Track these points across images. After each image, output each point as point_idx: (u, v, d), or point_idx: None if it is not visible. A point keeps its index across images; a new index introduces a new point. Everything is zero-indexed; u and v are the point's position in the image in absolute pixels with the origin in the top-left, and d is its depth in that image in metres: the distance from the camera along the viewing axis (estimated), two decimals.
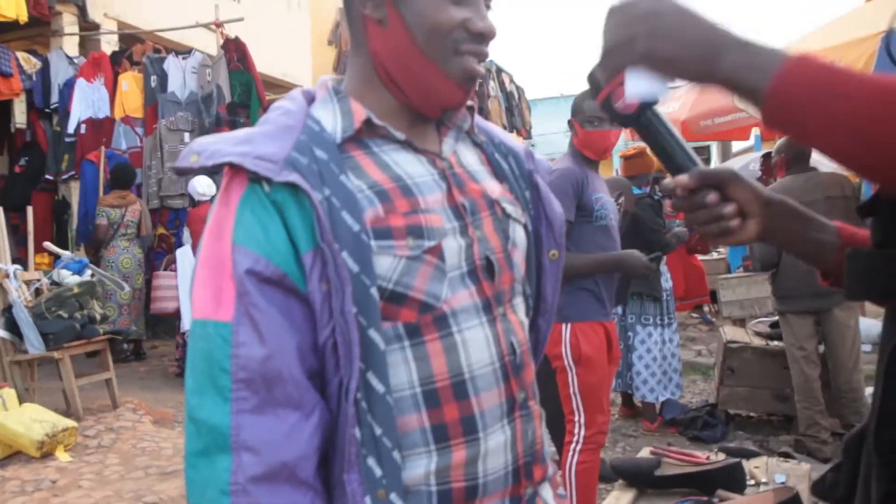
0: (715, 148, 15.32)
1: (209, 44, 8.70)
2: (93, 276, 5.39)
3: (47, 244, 5.69)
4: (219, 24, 7.92)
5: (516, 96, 19.59)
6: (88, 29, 8.31)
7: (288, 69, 11.31)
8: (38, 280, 5.48)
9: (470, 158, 1.09)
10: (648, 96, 0.91)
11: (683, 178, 0.94)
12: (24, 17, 7.26)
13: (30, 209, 5.87)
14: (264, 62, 10.29)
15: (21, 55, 7.64)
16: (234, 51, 7.77)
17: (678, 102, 6.51)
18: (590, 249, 2.86)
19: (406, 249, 0.91)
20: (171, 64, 7.81)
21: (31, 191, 7.81)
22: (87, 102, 7.71)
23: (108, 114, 7.75)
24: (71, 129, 7.62)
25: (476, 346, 0.96)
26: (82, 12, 8.15)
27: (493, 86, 18.07)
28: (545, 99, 27.76)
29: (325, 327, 0.88)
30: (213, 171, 0.93)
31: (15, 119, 7.63)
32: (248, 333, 0.85)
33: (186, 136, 7.57)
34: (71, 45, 8.15)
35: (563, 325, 2.83)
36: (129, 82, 7.81)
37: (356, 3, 1.00)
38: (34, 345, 5.07)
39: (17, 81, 7.46)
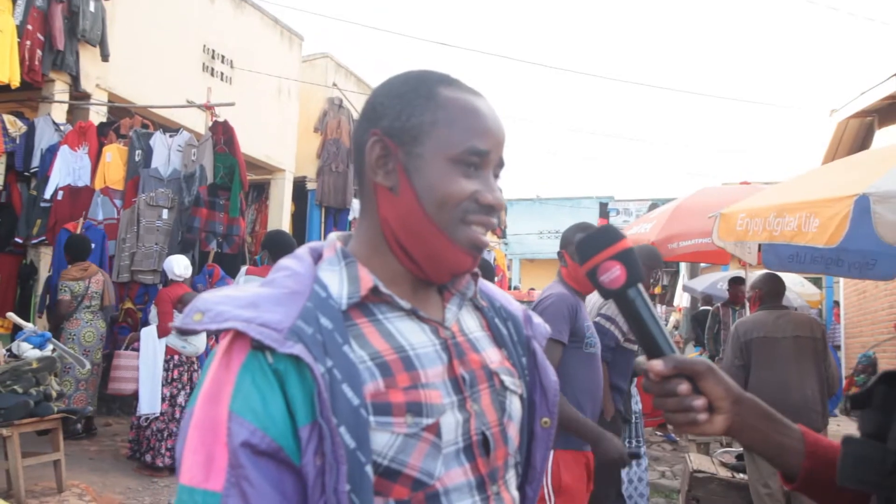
0: (683, 266, 15.62)
1: (198, 122, 8.80)
2: (54, 350, 5.24)
3: (11, 315, 5.55)
4: (209, 107, 8.02)
5: None
6: (79, 98, 8.37)
7: (272, 152, 11.43)
8: None
9: (472, 324, 1.09)
10: None
11: (658, 364, 0.95)
12: (16, 82, 7.32)
13: None
14: (250, 143, 10.42)
15: (7, 118, 7.65)
16: (222, 133, 7.85)
17: (649, 224, 6.67)
18: (576, 375, 2.87)
19: (404, 427, 0.90)
20: (158, 140, 7.85)
21: None
22: (67, 170, 7.68)
23: (87, 183, 7.72)
24: (48, 194, 7.56)
25: None
26: (75, 81, 8.22)
27: None
28: (520, 200, 28.34)
29: (316, 502, 0.85)
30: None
31: None
32: None
33: (165, 212, 7.55)
34: (59, 112, 8.18)
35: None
36: (114, 154, 7.82)
37: (367, 170, 1.01)
38: None
39: (0, 143, 7.43)
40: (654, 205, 22.07)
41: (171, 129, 8.15)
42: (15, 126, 7.72)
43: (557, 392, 1.16)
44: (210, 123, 8.01)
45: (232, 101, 8.03)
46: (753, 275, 5.44)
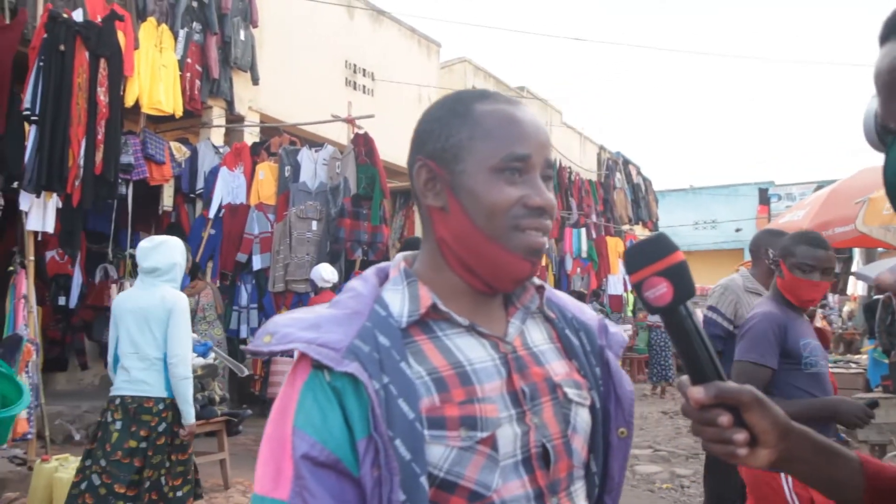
0: (857, 252, 14.46)
1: (342, 135, 9.18)
2: (216, 359, 5.65)
3: None
4: (351, 120, 8.34)
5: (643, 188, 19.42)
6: (234, 121, 8.98)
7: None
8: None
9: (538, 336, 1.09)
10: None
11: (698, 392, 0.89)
12: (179, 112, 7.96)
13: None
14: (394, 152, 10.73)
15: (174, 144, 8.33)
16: (363, 145, 8.14)
17: (803, 211, 6.26)
18: (801, 398, 2.71)
19: (458, 440, 0.92)
20: (305, 156, 8.27)
21: None
22: (227, 189, 8.27)
23: (244, 200, 8.27)
24: (212, 213, 8.17)
25: None
26: (230, 106, 8.84)
27: (619, 178, 18.00)
28: (674, 191, 27.40)
29: None
30: (286, 353, 0.97)
31: (163, 202, 8.25)
32: None
33: (314, 224, 7.94)
34: (217, 136, 8.82)
35: (782, 474, 2.63)
36: (266, 171, 8.32)
37: (419, 195, 1.05)
38: None
39: (168, 169, 8.10)
40: (819, 187, 20.61)
41: (316, 143, 8.55)
42: (180, 152, 8.39)
43: (633, 402, 1.14)
44: (352, 137, 8.33)
45: (371, 114, 8.31)
46: None
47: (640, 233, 19.72)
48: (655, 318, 14.84)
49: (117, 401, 3.80)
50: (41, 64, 5.69)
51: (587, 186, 15.91)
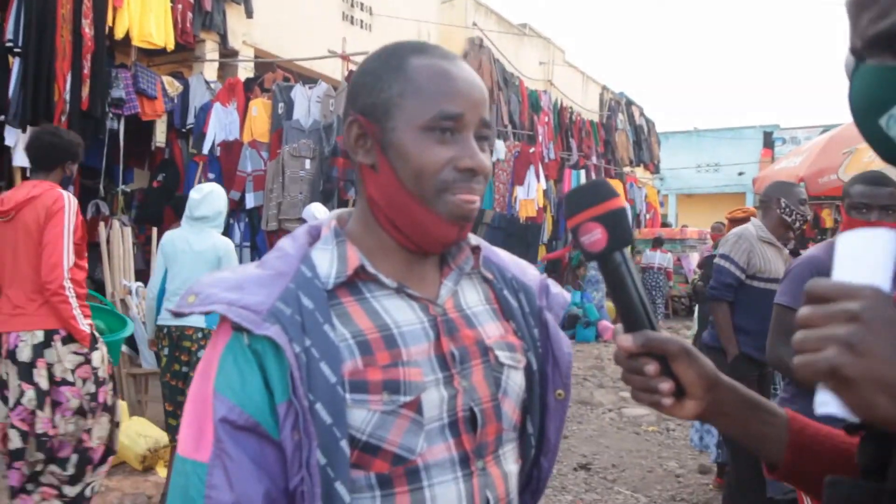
0: None
1: (338, 72, 9.02)
2: None
3: None
4: (345, 57, 8.19)
5: (646, 130, 19.21)
6: (227, 56, 8.80)
7: None
8: None
9: (473, 298, 1.08)
10: (840, 415, 0.69)
11: (626, 339, 0.90)
12: (171, 45, 7.80)
13: (154, 230, 6.22)
14: None
15: (166, 79, 8.17)
16: None
17: (800, 157, 6.17)
18: None
19: (381, 404, 0.92)
20: (298, 92, 8.14)
21: (166, 206, 8.32)
22: (220, 125, 8.17)
23: (237, 137, 8.17)
24: (206, 150, 8.09)
25: (446, 501, 0.95)
26: (223, 40, 8.66)
27: (621, 118, 17.78)
28: (676, 133, 27.12)
29: (295, 474, 0.89)
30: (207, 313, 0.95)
31: (156, 138, 8.15)
32: (220, 477, 0.87)
33: (307, 162, 7.86)
34: (210, 71, 8.66)
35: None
36: (259, 108, 8.20)
37: (350, 151, 1.02)
38: (148, 360, 5.39)
39: (161, 104, 7.98)
40: (825, 131, 20.40)
41: (310, 80, 8.40)
42: (173, 87, 8.24)
43: (570, 363, 1.14)
44: (346, 74, 8.18)
45: (366, 51, 8.13)
46: None
47: (642, 175, 19.59)
48: (650, 261, 14.87)
49: (164, 330, 4.28)
50: None
51: (588, 127, 15.73)
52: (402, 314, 0.99)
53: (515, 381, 1.06)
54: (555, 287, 1.20)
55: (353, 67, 8.17)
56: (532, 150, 12.64)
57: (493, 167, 12.45)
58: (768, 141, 25.54)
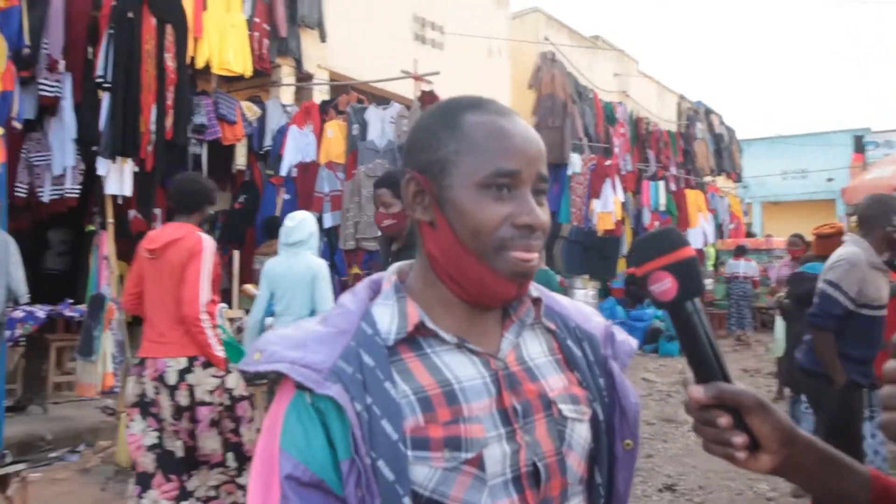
0: None
1: (411, 92, 9.13)
2: None
3: (247, 287, 6.20)
4: (418, 77, 8.29)
5: (726, 138, 18.72)
6: (303, 79, 9.04)
7: None
8: (241, 318, 5.98)
9: (536, 350, 1.07)
10: None
11: (697, 391, 0.88)
12: (248, 72, 8.06)
13: (236, 253, 6.41)
14: None
15: (244, 104, 8.45)
16: (429, 102, 8.08)
17: (893, 166, 5.90)
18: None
19: (442, 461, 0.92)
20: (372, 114, 8.28)
21: (248, 227, 8.57)
22: (296, 147, 8.38)
23: (314, 158, 8.36)
24: (283, 171, 8.31)
25: None
26: (298, 64, 8.91)
27: (700, 127, 17.39)
28: (759, 140, 26.23)
29: None
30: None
31: (236, 161, 8.42)
32: None
33: None
34: (287, 95, 8.91)
35: None
36: (334, 130, 8.37)
37: (408, 207, 1.04)
38: None
39: (240, 128, 8.25)
40: None
41: (383, 101, 8.54)
42: (251, 111, 8.51)
43: (638, 413, 1.12)
44: (419, 94, 8.28)
45: (437, 71, 8.23)
46: None
47: (724, 184, 19.08)
48: (734, 271, 14.45)
49: None
50: (111, 31, 5.84)
51: (666, 137, 15.44)
52: (462, 369, 0.98)
53: (580, 433, 1.04)
54: (620, 334, 1.17)
55: (426, 87, 8.27)
56: (608, 162, 12.49)
57: (568, 180, 12.41)
58: (859, 145, 24.48)
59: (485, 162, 0.96)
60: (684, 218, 14.59)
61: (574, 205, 12.03)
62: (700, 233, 14.85)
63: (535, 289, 1.09)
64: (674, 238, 0.92)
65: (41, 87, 5.83)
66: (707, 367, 0.89)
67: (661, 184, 14.16)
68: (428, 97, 8.14)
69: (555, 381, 1.05)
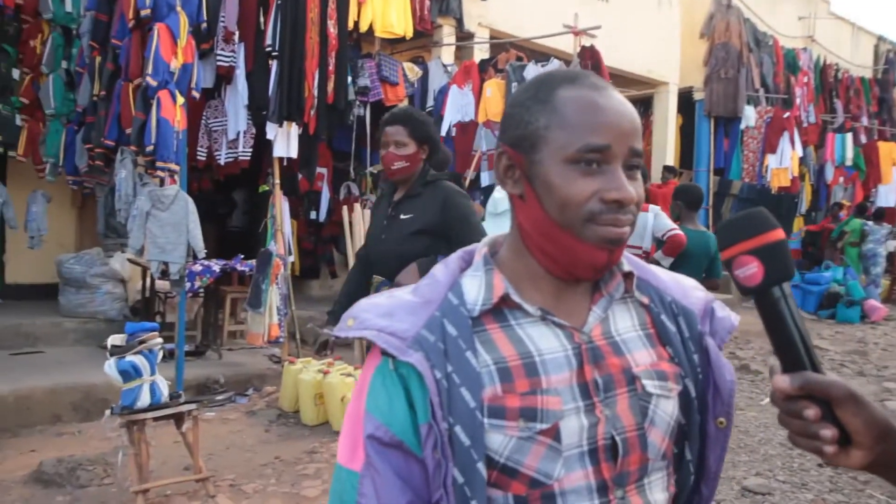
0: None
1: (570, 47, 8.93)
2: None
3: None
4: (578, 32, 8.08)
5: None
6: (464, 38, 9.08)
7: (655, 65, 11.13)
8: None
9: (625, 324, 1.07)
10: None
11: (783, 381, 0.84)
12: (410, 33, 8.22)
13: None
14: (631, 59, 10.30)
15: (406, 65, 8.64)
16: (589, 58, 7.89)
17: None
18: None
19: (516, 430, 0.95)
20: (531, 71, 8.18)
21: None
22: (456, 107, 8.48)
23: (473, 118, 8.43)
24: (444, 131, 8.45)
25: None
26: (459, 23, 8.95)
27: None
28: None
29: (437, 489, 0.95)
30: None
31: None
32: (368, 487, 0.96)
33: None
34: (448, 54, 8.99)
35: None
36: (493, 89, 8.38)
37: (500, 181, 1.06)
38: None
39: (402, 89, 8.47)
40: None
41: (542, 58, 8.42)
42: (413, 72, 8.70)
43: (733, 391, 1.09)
44: (578, 49, 8.09)
45: (599, 25, 7.97)
46: None
47: None
48: None
49: None
50: (279, 2, 6.14)
51: (858, 85, 14.12)
52: (545, 342, 1.00)
53: (665, 410, 1.04)
54: (721, 310, 1.14)
55: (585, 42, 8.05)
56: (787, 114, 11.63)
57: (741, 135, 11.68)
58: None
59: (574, 137, 0.96)
60: (875, 173, 13.34)
61: (746, 160, 11.36)
62: (893, 189, 13.54)
63: (627, 262, 1.09)
64: (761, 220, 0.88)
65: (218, 57, 6.25)
66: (794, 356, 0.86)
67: (849, 136, 13.00)
68: (588, 53, 7.93)
69: (641, 357, 1.04)
